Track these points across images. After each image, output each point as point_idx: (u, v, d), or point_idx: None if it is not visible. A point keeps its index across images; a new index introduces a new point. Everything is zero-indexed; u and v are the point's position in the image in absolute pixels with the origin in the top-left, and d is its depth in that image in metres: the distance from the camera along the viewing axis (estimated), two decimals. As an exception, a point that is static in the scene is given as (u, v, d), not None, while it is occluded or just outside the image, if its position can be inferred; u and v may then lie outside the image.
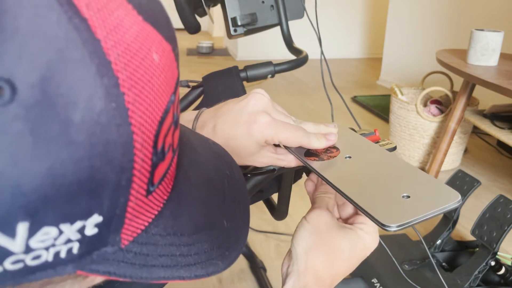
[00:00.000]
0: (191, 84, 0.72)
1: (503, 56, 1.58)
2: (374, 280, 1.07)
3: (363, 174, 0.39)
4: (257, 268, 1.17)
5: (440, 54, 1.67)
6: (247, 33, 0.81)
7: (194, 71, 3.47)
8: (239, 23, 0.79)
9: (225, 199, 0.29)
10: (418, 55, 2.79)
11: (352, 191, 0.36)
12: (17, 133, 0.15)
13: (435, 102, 1.80)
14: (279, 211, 0.58)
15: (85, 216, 0.18)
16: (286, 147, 0.43)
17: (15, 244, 0.17)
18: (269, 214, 0.62)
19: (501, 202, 1.04)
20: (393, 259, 1.08)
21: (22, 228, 0.16)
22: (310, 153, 0.42)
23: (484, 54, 1.47)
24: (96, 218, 0.19)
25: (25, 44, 0.16)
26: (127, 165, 0.19)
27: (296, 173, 0.52)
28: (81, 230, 0.18)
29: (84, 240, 0.19)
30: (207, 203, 0.28)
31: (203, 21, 0.88)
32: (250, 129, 0.40)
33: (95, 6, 0.18)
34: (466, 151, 1.89)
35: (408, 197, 0.34)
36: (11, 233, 0.16)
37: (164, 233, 0.23)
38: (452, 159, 1.77)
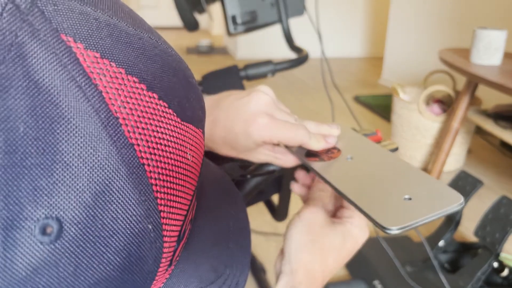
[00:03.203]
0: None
1: (507, 55, 1.57)
2: (376, 282, 1.06)
3: (364, 175, 0.38)
4: (257, 270, 1.16)
5: (443, 53, 1.65)
6: (247, 31, 0.80)
7: (194, 70, 3.43)
8: (239, 21, 0.78)
9: (230, 245, 0.30)
10: (421, 54, 2.78)
11: (353, 192, 0.35)
12: (61, 266, 0.16)
13: (438, 101, 1.79)
14: (279, 212, 0.58)
15: None
16: (286, 147, 0.43)
17: None
18: (269, 215, 0.62)
19: (504, 203, 1.03)
20: (395, 260, 1.07)
21: None
22: (311, 153, 0.41)
23: (487, 53, 1.46)
24: None
25: (74, 181, 0.16)
26: (154, 268, 0.20)
27: (296, 174, 0.51)
28: None
29: None
30: (213, 254, 0.28)
31: (202, 19, 0.87)
32: (248, 128, 0.39)
33: (141, 126, 0.18)
34: (469, 151, 1.88)
35: (410, 199, 0.33)
36: None
37: None
38: (455, 159, 1.76)
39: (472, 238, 1.17)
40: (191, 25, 0.79)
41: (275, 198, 0.58)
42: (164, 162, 0.19)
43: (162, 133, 0.19)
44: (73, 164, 0.16)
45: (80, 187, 0.16)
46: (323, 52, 0.87)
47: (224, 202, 0.33)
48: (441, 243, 1.14)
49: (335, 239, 0.39)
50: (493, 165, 1.85)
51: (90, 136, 0.16)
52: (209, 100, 0.43)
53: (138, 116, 0.18)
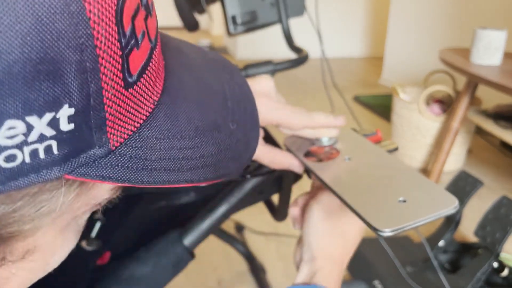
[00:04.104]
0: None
1: (507, 55, 1.57)
2: (376, 282, 1.06)
3: (361, 176, 0.38)
4: (257, 270, 1.16)
5: (443, 53, 1.65)
6: (247, 31, 0.80)
7: (195, 71, 3.46)
8: (239, 21, 0.78)
9: (227, 102, 0.27)
10: (421, 54, 2.78)
11: (348, 193, 0.35)
12: None
13: (438, 101, 1.79)
14: (279, 212, 0.58)
15: (53, 106, 0.16)
16: (286, 147, 0.43)
17: None
18: (269, 215, 0.62)
19: (504, 203, 1.03)
20: (395, 261, 1.07)
21: None
22: (310, 154, 0.41)
23: (487, 53, 1.46)
24: (68, 110, 0.17)
25: None
26: (85, 41, 0.16)
27: (296, 174, 0.51)
28: (54, 125, 0.16)
29: (62, 138, 0.17)
30: (207, 106, 0.26)
31: (202, 19, 0.87)
32: None
33: None
34: (469, 151, 1.88)
35: (404, 201, 0.34)
36: None
37: (161, 136, 0.22)
38: (455, 159, 1.76)
39: (472, 238, 1.17)
40: (191, 26, 0.79)
41: (275, 198, 0.58)
42: None
43: None
44: None
45: None
46: (323, 52, 0.87)
47: (213, 67, 0.30)
48: (441, 243, 1.14)
49: (351, 222, 0.39)
50: (493, 165, 1.85)
51: None
52: None
53: None
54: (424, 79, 1.91)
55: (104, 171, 0.19)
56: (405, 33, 2.94)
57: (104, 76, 0.18)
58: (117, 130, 0.20)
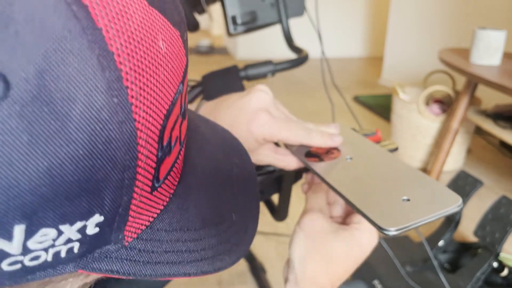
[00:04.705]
0: (190, 83, 0.71)
1: (507, 55, 1.57)
2: (376, 282, 1.06)
3: (363, 176, 0.38)
4: (257, 270, 1.16)
5: (442, 53, 1.65)
6: (247, 31, 0.80)
7: (194, 71, 3.45)
8: (239, 22, 0.78)
9: (234, 190, 0.28)
10: (420, 54, 2.78)
11: (351, 193, 0.35)
12: (11, 131, 0.14)
13: (437, 101, 1.79)
14: (279, 212, 0.58)
15: (86, 216, 0.17)
16: (287, 147, 0.43)
17: (12, 246, 0.16)
18: (269, 215, 0.62)
19: (504, 203, 1.03)
20: (395, 260, 1.07)
21: (19, 230, 0.16)
22: (311, 154, 0.41)
23: (487, 53, 1.46)
24: (97, 218, 0.18)
25: (20, 34, 0.14)
26: (130, 163, 0.18)
27: (296, 174, 0.51)
28: (81, 230, 0.18)
29: (85, 240, 0.18)
30: (216, 195, 0.27)
31: (202, 19, 0.87)
32: (250, 126, 0.39)
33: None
34: (468, 151, 1.88)
35: (408, 200, 0.34)
36: (8, 236, 0.16)
37: (170, 229, 0.22)
38: (455, 159, 1.76)
39: (472, 238, 1.17)
40: (191, 26, 0.79)
41: (275, 198, 0.58)
42: (128, 36, 0.17)
43: (123, 5, 0.17)
44: (16, 17, 0.14)
45: (26, 42, 0.14)
46: (323, 52, 0.87)
47: (225, 149, 0.31)
48: (441, 243, 1.14)
49: (338, 245, 0.37)
50: (492, 165, 1.85)
51: None
52: (207, 106, 0.43)
53: None
54: (423, 79, 1.91)
55: (114, 266, 0.20)
56: (405, 33, 2.94)
57: (137, 188, 0.19)
58: (133, 227, 0.21)
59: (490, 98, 1.86)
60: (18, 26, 0.14)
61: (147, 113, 0.18)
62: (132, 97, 0.17)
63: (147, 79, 0.18)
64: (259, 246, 1.28)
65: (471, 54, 1.50)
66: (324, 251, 0.37)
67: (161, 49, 0.19)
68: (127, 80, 0.17)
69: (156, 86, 0.19)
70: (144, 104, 0.18)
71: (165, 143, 0.20)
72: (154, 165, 0.19)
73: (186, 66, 0.22)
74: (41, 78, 0.15)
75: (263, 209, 0.62)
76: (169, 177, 0.22)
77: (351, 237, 0.38)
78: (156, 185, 0.21)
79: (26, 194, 0.15)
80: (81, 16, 0.16)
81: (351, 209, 0.42)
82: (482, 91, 1.72)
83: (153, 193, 0.21)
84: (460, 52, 1.65)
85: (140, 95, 0.18)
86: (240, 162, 0.31)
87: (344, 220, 0.42)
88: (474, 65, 1.47)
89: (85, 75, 0.16)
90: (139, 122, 0.18)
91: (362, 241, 0.38)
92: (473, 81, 1.48)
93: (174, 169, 0.22)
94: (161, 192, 0.22)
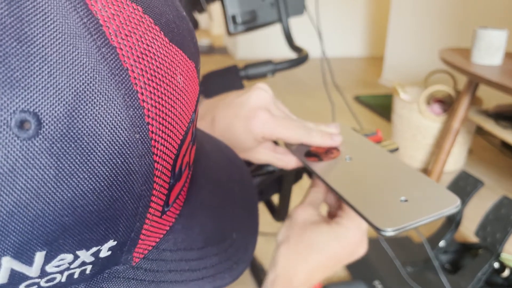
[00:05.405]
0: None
1: (508, 55, 1.56)
2: (376, 282, 1.06)
3: (362, 176, 0.38)
4: (257, 270, 1.16)
5: (443, 52, 1.65)
6: (247, 30, 0.80)
7: (195, 70, 3.46)
8: (238, 21, 0.77)
9: (235, 208, 0.29)
10: (421, 53, 2.78)
11: (349, 193, 0.35)
12: (40, 167, 0.15)
13: (438, 101, 1.79)
14: (279, 212, 0.57)
15: (101, 242, 0.18)
16: (286, 146, 0.42)
17: (32, 270, 0.17)
18: (269, 215, 0.61)
19: (505, 203, 1.03)
20: (396, 261, 1.07)
21: (39, 256, 0.17)
22: (310, 153, 0.41)
23: (488, 53, 1.45)
24: (111, 243, 0.19)
25: (53, 76, 0.15)
26: (146, 193, 0.19)
27: (296, 174, 0.51)
28: (95, 254, 0.19)
29: (98, 262, 0.19)
30: (218, 215, 0.28)
31: (202, 18, 0.87)
32: (249, 124, 0.39)
33: (124, 32, 0.17)
34: (469, 151, 1.88)
35: (406, 200, 0.33)
36: (29, 262, 0.16)
37: (175, 248, 0.23)
38: (456, 159, 1.76)
39: (473, 238, 1.17)
40: (190, 25, 0.79)
41: (275, 198, 0.58)
42: (150, 74, 0.18)
43: (147, 45, 0.18)
44: (51, 58, 0.15)
45: (58, 82, 0.15)
46: (324, 52, 0.87)
47: (227, 167, 0.32)
48: (441, 243, 1.14)
49: (317, 237, 0.38)
50: (493, 165, 1.85)
51: (68, 31, 0.16)
52: (206, 104, 0.43)
53: (121, 22, 0.17)
54: (424, 79, 1.91)
55: (121, 285, 0.21)
56: (405, 33, 2.94)
57: (149, 214, 0.20)
58: (142, 249, 0.21)
59: (491, 98, 1.86)
60: (51, 69, 0.15)
61: (164, 145, 0.19)
62: (152, 132, 0.18)
63: (166, 114, 0.19)
64: (259, 247, 1.28)
65: (472, 53, 1.49)
66: (301, 241, 0.38)
67: (179, 83, 0.20)
68: (148, 116, 0.18)
69: (173, 119, 0.19)
70: (162, 137, 0.19)
71: (177, 171, 0.21)
72: (166, 192, 0.21)
73: (198, 95, 0.23)
74: (70, 117, 0.15)
75: (263, 209, 0.62)
76: (177, 201, 0.23)
77: (338, 230, 0.38)
78: (166, 209, 0.22)
79: (49, 224, 0.16)
80: (109, 58, 0.17)
81: (340, 205, 0.42)
82: (483, 91, 1.71)
83: (163, 216, 0.22)
84: (461, 52, 1.65)
85: (159, 129, 0.19)
86: (240, 179, 0.32)
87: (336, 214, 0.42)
88: (475, 64, 1.47)
89: (111, 113, 0.17)
90: (156, 154, 0.19)
91: (347, 237, 0.38)
92: (474, 81, 1.48)
93: (182, 192, 0.23)
94: (169, 214, 0.22)
